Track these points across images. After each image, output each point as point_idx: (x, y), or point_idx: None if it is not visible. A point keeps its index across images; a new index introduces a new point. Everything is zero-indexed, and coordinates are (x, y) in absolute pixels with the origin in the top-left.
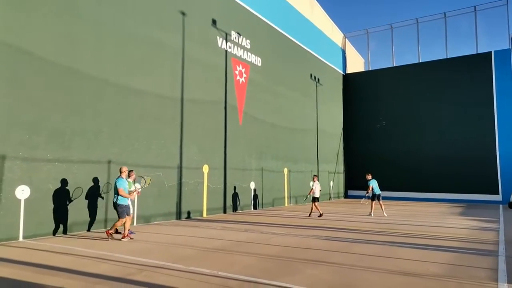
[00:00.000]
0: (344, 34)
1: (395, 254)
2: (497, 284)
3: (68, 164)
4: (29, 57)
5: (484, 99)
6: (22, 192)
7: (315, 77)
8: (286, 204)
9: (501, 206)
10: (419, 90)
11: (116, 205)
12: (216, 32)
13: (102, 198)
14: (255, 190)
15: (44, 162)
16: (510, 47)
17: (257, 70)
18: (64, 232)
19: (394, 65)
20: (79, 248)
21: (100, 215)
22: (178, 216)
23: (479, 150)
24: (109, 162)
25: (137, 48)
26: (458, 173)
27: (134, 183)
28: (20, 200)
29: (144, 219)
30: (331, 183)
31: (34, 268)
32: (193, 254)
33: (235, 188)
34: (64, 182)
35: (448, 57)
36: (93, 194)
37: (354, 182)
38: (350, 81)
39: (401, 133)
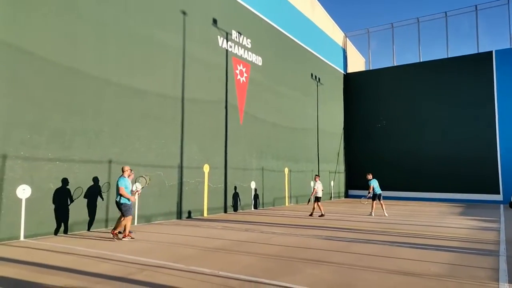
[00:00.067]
0: (345, 34)
1: (395, 253)
2: (498, 284)
3: (69, 163)
4: (30, 57)
5: (485, 99)
6: (23, 192)
7: (315, 77)
8: (286, 204)
9: (501, 206)
10: (420, 90)
11: (119, 204)
12: (217, 31)
13: (102, 199)
14: (255, 189)
15: (45, 162)
16: (511, 47)
17: (258, 70)
18: (65, 231)
19: (395, 65)
20: (80, 248)
21: (101, 214)
22: (179, 215)
23: (480, 149)
24: (110, 161)
25: (138, 47)
26: (459, 173)
27: (135, 182)
28: (21, 200)
29: (145, 218)
30: (332, 182)
31: (35, 268)
32: (194, 253)
33: (235, 187)
34: (65, 181)
35: (449, 56)
36: (94, 194)
37: (354, 182)
38: (351, 81)
39: (402, 132)
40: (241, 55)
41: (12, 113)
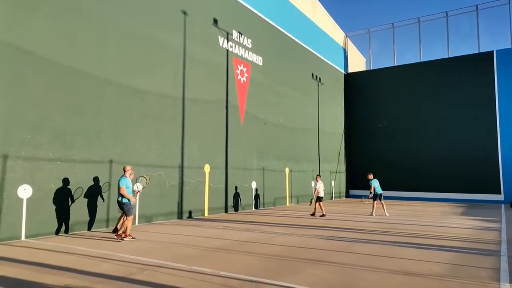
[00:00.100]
0: (345, 34)
1: (397, 253)
2: (499, 284)
3: (70, 163)
4: (30, 57)
5: (486, 99)
6: (24, 192)
7: (316, 77)
8: (287, 204)
9: (503, 205)
10: (421, 90)
11: (121, 204)
12: (218, 31)
13: (103, 199)
14: (256, 189)
15: (46, 162)
16: None
17: (258, 70)
18: (66, 231)
19: (396, 65)
20: (81, 248)
21: (102, 214)
22: (180, 215)
23: (481, 149)
24: (111, 161)
25: (139, 47)
26: (460, 172)
27: (135, 182)
28: (22, 200)
29: (146, 218)
30: (333, 182)
31: (36, 268)
32: (194, 253)
33: (236, 187)
34: (66, 181)
35: (449, 56)
36: (95, 194)
37: (355, 182)
38: (352, 81)
39: (402, 132)
40: (242, 55)
41: (13, 113)
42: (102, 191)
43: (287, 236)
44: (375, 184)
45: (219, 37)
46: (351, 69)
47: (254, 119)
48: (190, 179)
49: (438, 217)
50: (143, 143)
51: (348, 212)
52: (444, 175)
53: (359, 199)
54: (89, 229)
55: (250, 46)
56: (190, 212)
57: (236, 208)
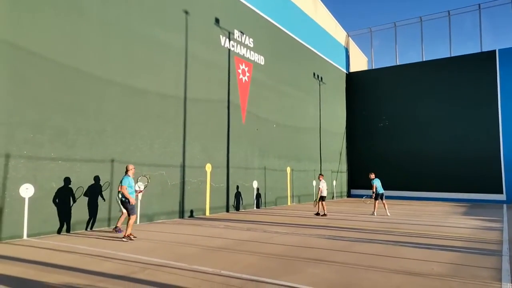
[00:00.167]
0: (347, 33)
1: (398, 253)
2: (501, 284)
3: (72, 162)
4: (33, 57)
5: (488, 98)
6: (26, 191)
7: (318, 76)
8: (289, 203)
9: (505, 205)
10: (423, 89)
11: (124, 203)
12: (219, 31)
13: (104, 199)
14: (258, 189)
15: (48, 161)
16: None
17: (260, 69)
18: (68, 230)
19: (398, 64)
20: (83, 247)
21: (103, 213)
22: (181, 214)
23: (483, 149)
24: (113, 161)
25: (141, 47)
26: (462, 172)
27: (136, 182)
28: (24, 199)
29: (147, 217)
30: (334, 182)
31: (38, 266)
32: (195, 252)
33: (238, 187)
34: (67, 180)
35: (452, 55)
36: (96, 193)
37: (357, 181)
38: (353, 80)
39: (404, 132)
40: (243, 54)
41: (15, 112)
42: (103, 189)
43: (288, 236)
44: (377, 183)
45: (221, 36)
46: (353, 69)
47: (256, 118)
48: (191, 179)
49: (439, 217)
50: (145, 143)
51: (349, 211)
52: (445, 175)
53: (360, 199)
54: (90, 228)
55: (251, 45)
56: (191, 211)
57: (237, 208)
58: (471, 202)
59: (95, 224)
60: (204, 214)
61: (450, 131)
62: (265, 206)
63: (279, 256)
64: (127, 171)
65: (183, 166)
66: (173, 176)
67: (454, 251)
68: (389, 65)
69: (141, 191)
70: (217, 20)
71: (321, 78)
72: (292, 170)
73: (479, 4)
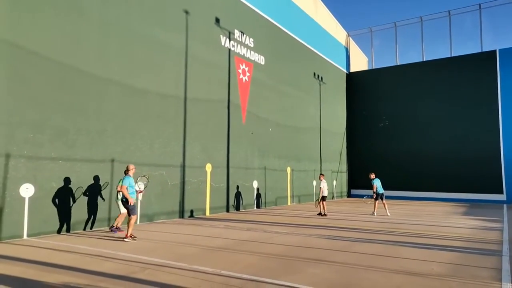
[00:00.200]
0: (347, 33)
1: (398, 253)
2: (501, 284)
3: (72, 162)
4: (33, 56)
5: (489, 98)
6: (27, 190)
7: (318, 76)
8: (289, 203)
9: (505, 205)
10: (423, 89)
11: (125, 203)
12: (220, 30)
13: (103, 199)
14: (258, 189)
15: (48, 161)
16: None
17: (260, 69)
18: (68, 230)
19: (398, 64)
20: (83, 246)
21: (103, 213)
22: (181, 214)
23: (483, 149)
24: (113, 160)
25: (141, 47)
26: (462, 172)
27: (136, 182)
28: (24, 198)
29: (148, 217)
30: (334, 182)
31: (38, 266)
32: (196, 252)
33: (238, 187)
34: (67, 180)
35: (452, 55)
36: (96, 193)
37: (357, 181)
38: (354, 80)
39: (404, 132)
40: (244, 54)
41: (15, 112)
42: (102, 189)
43: (288, 236)
44: (377, 183)
45: (221, 36)
46: (353, 68)
47: (256, 118)
48: (191, 178)
49: (439, 217)
50: (145, 143)
51: (349, 211)
52: (446, 175)
53: (360, 199)
54: (91, 228)
55: (252, 45)
56: (191, 211)
57: (237, 208)
58: (471, 202)
59: (95, 224)
60: (204, 214)
61: (450, 131)
62: (265, 206)
63: (279, 256)
64: (128, 171)
65: (183, 166)
66: (173, 176)
67: (454, 251)
68: (389, 65)
69: (141, 191)
70: (217, 20)
71: (321, 78)
72: (292, 170)
73: (479, 4)
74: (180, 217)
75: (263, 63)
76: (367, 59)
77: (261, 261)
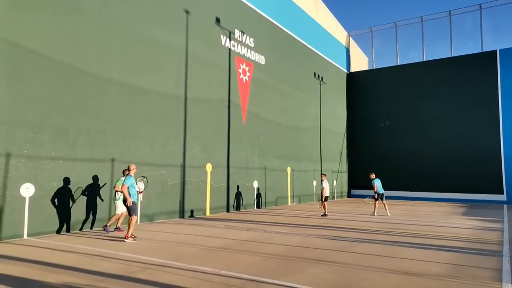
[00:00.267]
0: (348, 33)
1: (398, 253)
2: (501, 285)
3: (72, 162)
4: (33, 56)
5: (489, 98)
6: (27, 190)
7: (318, 76)
8: (289, 203)
9: (505, 206)
10: (423, 89)
11: (126, 203)
12: (220, 30)
13: (102, 200)
14: (258, 189)
15: (48, 160)
16: None
17: (260, 69)
18: (68, 230)
19: (398, 64)
20: (83, 246)
21: (103, 213)
22: (181, 214)
23: (483, 149)
24: (113, 160)
25: (141, 47)
26: (462, 172)
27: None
28: (24, 198)
29: (148, 217)
30: (335, 182)
31: (38, 266)
32: (196, 252)
33: (238, 187)
34: (68, 180)
35: (452, 55)
36: (96, 193)
37: (357, 182)
38: (354, 80)
39: (405, 132)
40: (244, 54)
41: (15, 111)
42: (101, 189)
43: (288, 236)
44: (377, 183)
45: (222, 36)
46: (353, 68)
47: (256, 118)
48: (192, 178)
49: (439, 217)
50: (145, 142)
51: (349, 211)
52: (446, 175)
53: (361, 199)
54: (91, 227)
55: (252, 45)
56: (191, 211)
57: (237, 208)
58: (471, 202)
59: (95, 224)
60: (205, 214)
61: (451, 131)
62: (265, 206)
63: (279, 256)
64: (129, 170)
65: (183, 166)
66: (173, 176)
67: (454, 251)
68: (390, 65)
69: (141, 192)
70: (217, 20)
71: (322, 78)
72: (292, 170)
73: (480, 4)
74: (180, 217)
75: (263, 63)
76: (367, 59)
77: (261, 261)
